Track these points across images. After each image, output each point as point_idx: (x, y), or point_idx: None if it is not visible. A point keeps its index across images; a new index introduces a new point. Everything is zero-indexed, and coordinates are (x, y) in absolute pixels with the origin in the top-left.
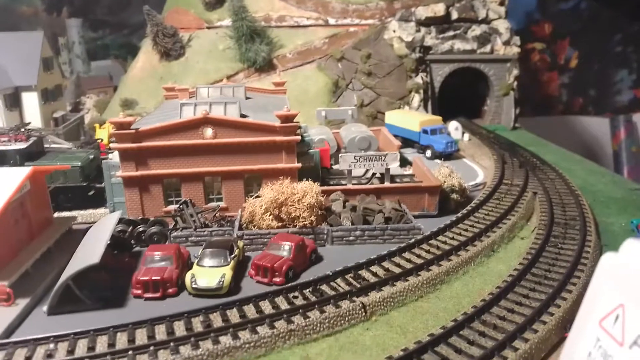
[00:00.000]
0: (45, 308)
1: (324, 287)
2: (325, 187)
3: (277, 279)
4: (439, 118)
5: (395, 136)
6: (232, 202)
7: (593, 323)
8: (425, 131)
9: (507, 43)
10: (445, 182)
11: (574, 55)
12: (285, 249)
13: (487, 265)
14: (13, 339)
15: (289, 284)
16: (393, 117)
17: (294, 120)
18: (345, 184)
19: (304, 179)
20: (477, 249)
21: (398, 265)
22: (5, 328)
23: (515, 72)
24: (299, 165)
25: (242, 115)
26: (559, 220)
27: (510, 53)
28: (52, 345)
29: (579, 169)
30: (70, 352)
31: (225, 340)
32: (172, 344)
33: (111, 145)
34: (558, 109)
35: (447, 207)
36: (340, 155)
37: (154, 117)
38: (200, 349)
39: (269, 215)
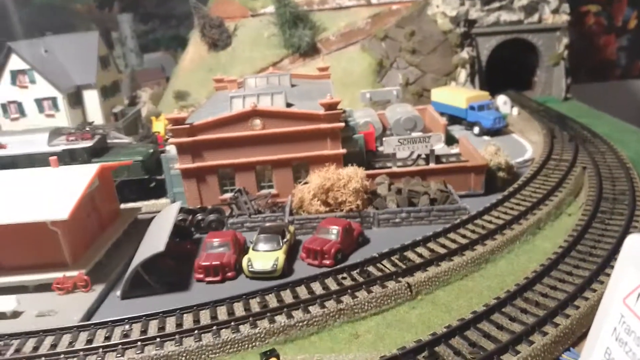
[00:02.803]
0: (118, 293)
1: (371, 269)
2: (370, 171)
3: (327, 261)
4: (486, 93)
5: (442, 114)
6: (282, 189)
7: (618, 300)
8: (472, 107)
9: (555, 11)
10: (491, 160)
11: (633, 16)
12: (333, 233)
13: (532, 243)
14: (93, 321)
15: (338, 266)
16: (439, 94)
17: (338, 107)
18: (391, 167)
19: (350, 164)
20: (523, 228)
21: (443, 245)
22: (86, 311)
23: (565, 40)
24: (344, 151)
25: (289, 105)
26: (608, 196)
27: (559, 21)
28: (127, 326)
29: (632, 140)
30: (144, 332)
31: (281, 319)
32: (232, 323)
33: (168, 140)
34: (616, 73)
35: (494, 186)
36: (384, 139)
37: (206, 110)
38: (258, 328)
39: (317, 201)
